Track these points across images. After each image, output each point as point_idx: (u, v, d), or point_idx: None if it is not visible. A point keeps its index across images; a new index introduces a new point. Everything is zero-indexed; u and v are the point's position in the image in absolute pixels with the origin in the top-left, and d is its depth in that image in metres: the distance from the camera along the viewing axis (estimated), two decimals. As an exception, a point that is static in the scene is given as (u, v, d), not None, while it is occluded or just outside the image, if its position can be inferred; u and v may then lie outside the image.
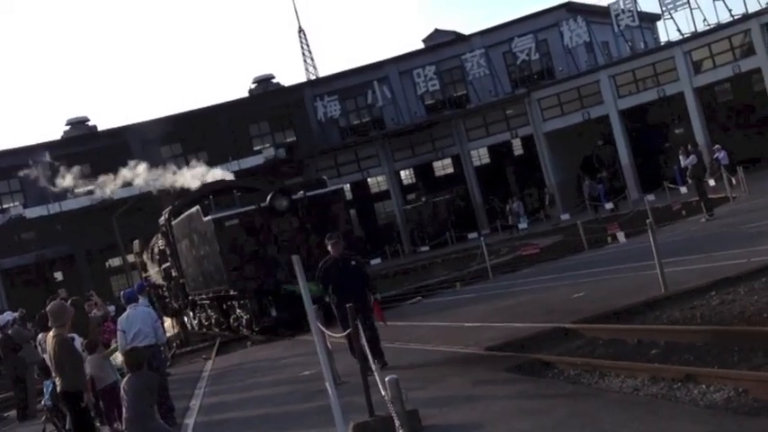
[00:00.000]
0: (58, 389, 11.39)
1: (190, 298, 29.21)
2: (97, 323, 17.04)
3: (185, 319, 31.24)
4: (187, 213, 25.89)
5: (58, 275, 55.16)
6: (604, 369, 10.37)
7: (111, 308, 25.29)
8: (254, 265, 22.49)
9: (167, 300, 33.06)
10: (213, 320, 28.36)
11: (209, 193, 26.07)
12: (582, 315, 13.86)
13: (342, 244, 13.90)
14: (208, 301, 27.68)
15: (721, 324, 11.44)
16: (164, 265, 31.85)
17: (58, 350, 11.08)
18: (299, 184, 27.29)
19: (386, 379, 8.62)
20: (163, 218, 29.60)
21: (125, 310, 13.75)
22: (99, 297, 19.98)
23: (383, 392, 8.66)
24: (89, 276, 51.18)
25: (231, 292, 23.71)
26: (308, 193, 23.03)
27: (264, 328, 23.24)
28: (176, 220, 27.62)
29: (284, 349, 20.14)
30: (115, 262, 54.56)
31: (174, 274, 30.17)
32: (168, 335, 27.24)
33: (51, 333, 11.34)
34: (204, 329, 30.05)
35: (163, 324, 19.16)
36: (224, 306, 26.10)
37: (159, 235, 31.49)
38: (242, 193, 24.69)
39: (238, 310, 24.57)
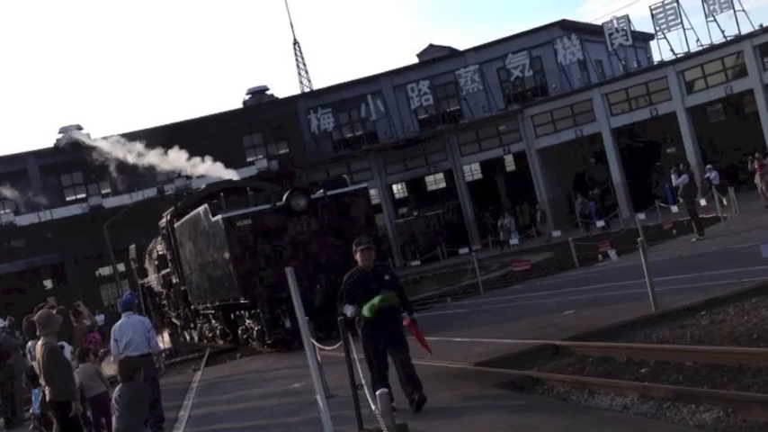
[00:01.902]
0: (47, 397, 11.36)
1: (192, 307, 26.88)
2: (82, 333, 17.00)
3: (180, 329, 30.48)
4: (193, 213, 23.61)
5: (48, 283, 55.09)
6: (594, 386, 10.37)
7: (101, 317, 25.26)
8: (267, 270, 20.45)
9: (165, 308, 31.42)
10: (218, 332, 26.03)
11: (218, 191, 23.75)
12: (572, 332, 13.88)
13: (374, 252, 11.20)
14: (213, 311, 25.29)
15: (711, 344, 11.47)
16: (163, 272, 29.65)
17: (46, 358, 11.05)
18: (319, 182, 24.68)
19: (376, 393, 8.62)
20: (164, 219, 27.17)
21: (119, 317, 13.71)
22: (87, 307, 19.95)
23: (373, 406, 8.66)
24: (78, 285, 51.08)
25: (241, 301, 21.45)
26: (329, 193, 21.10)
27: (277, 341, 21.18)
28: (179, 222, 25.37)
29: (274, 361, 20.08)
30: (105, 271, 54.48)
31: (174, 280, 27.85)
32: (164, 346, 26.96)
33: (40, 341, 11.32)
34: (206, 341, 27.88)
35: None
36: (232, 316, 23.91)
37: (159, 239, 29.27)
38: (255, 192, 22.35)
39: (248, 321, 22.41)
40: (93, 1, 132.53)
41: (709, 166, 39.44)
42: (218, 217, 21.04)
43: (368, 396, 9.10)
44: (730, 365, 10.02)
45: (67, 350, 12.43)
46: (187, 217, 24.42)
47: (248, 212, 20.75)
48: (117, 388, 9.38)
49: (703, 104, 46.85)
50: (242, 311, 22.75)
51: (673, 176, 31.16)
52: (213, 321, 26.06)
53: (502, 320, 17.89)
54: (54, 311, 13.46)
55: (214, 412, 14.75)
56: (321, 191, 21.15)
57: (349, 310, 10.69)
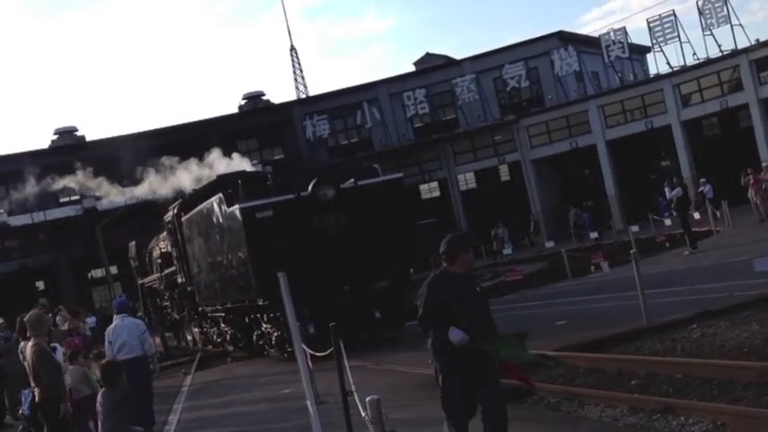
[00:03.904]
0: (36, 398, 11.33)
1: (200, 309, 24.57)
2: (62, 336, 16.92)
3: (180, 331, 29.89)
4: (204, 205, 21.34)
5: (40, 284, 54.99)
6: (584, 397, 10.38)
7: (92, 319, 25.11)
8: (290, 268, 18.17)
9: (168, 310, 29.93)
10: (228, 336, 23.69)
11: (233, 180, 20.82)
12: (563, 343, 13.90)
13: (473, 257, 8.09)
14: (223, 313, 22.98)
15: (702, 357, 11.49)
16: (166, 270, 27.44)
17: (36, 359, 11.02)
18: (348, 171, 21.91)
19: (366, 400, 8.61)
20: (170, 213, 24.87)
21: (111, 319, 13.68)
22: (75, 315, 19.81)
23: (363, 413, 8.65)
24: (71, 286, 51.04)
25: (259, 303, 19.08)
26: (360, 183, 18.96)
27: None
28: (187, 216, 23.14)
29: (264, 366, 20.06)
30: (98, 273, 54.42)
31: (179, 280, 25.52)
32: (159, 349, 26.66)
33: (30, 342, 11.30)
34: (211, 346, 26.16)
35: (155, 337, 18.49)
36: (246, 319, 21.33)
37: (161, 235, 27.26)
38: (275, 181, 19.83)
39: (265, 325, 19.91)
40: (92, 4, 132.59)
41: (702, 179, 39.50)
42: (235, 208, 18.79)
43: (358, 403, 9.08)
44: (720, 378, 10.03)
45: (60, 352, 12.40)
46: (197, 209, 22.22)
47: (270, 203, 18.45)
48: (100, 392, 9.38)
49: (699, 118, 46.96)
50: (258, 315, 20.21)
51: (666, 189, 31.17)
52: (223, 325, 23.98)
53: (493, 330, 17.85)
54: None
55: (203, 416, 14.75)
56: (351, 180, 19.08)
57: (457, 336, 7.68)
